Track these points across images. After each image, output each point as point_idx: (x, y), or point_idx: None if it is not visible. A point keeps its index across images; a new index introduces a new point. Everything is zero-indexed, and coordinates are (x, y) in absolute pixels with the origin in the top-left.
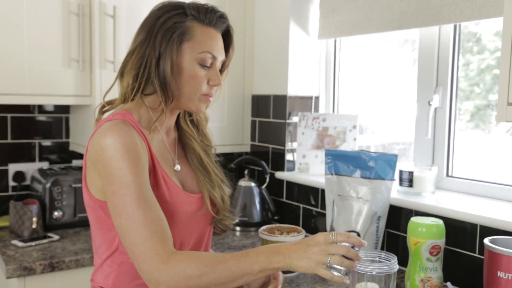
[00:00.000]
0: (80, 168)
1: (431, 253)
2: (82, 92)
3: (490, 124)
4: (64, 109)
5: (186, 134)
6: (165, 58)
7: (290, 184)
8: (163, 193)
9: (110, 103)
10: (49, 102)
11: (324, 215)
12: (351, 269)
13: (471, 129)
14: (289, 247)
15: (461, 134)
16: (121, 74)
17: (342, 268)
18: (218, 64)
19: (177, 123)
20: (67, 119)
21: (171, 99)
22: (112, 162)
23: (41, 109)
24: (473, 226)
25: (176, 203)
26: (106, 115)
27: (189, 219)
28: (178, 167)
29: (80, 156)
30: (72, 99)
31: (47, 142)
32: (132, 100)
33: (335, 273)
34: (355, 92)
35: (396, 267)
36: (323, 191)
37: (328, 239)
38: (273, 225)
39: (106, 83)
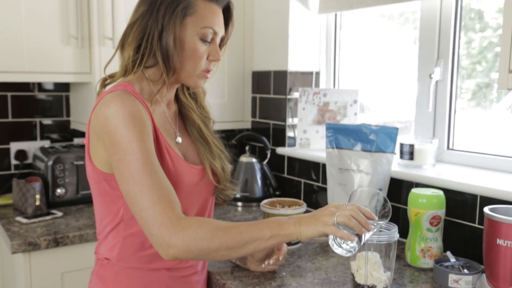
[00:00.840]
0: (82, 146)
1: (431, 223)
2: (82, 70)
3: (492, 102)
4: (64, 87)
5: (186, 106)
6: (168, 31)
7: (291, 160)
8: (167, 164)
9: (111, 76)
10: (48, 79)
11: (325, 189)
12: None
13: (472, 107)
14: (301, 215)
15: (462, 112)
16: (122, 46)
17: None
18: (218, 40)
19: (176, 96)
20: (67, 98)
21: (172, 72)
22: (117, 131)
23: (41, 87)
24: (473, 196)
25: (179, 174)
26: (107, 88)
27: (192, 190)
28: (179, 139)
29: (81, 134)
30: (72, 76)
31: (48, 121)
32: (133, 73)
33: (343, 230)
34: (356, 68)
35: (396, 235)
36: (324, 165)
37: (339, 206)
38: (275, 199)
39: (106, 60)
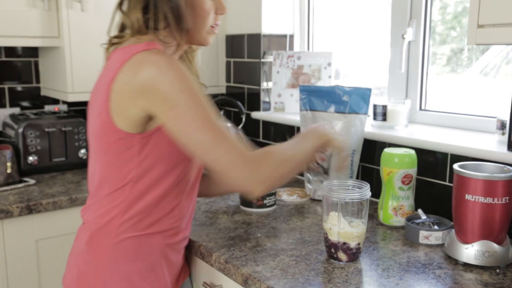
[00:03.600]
0: (53, 113)
1: (403, 182)
2: (50, 33)
3: (465, 67)
4: (32, 52)
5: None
6: None
7: (266, 124)
8: None
9: (119, 36)
10: (15, 44)
11: None
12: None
13: (447, 72)
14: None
15: (437, 77)
16: (122, 8)
17: None
18: None
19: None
20: (36, 63)
21: (185, 33)
22: (175, 86)
23: (8, 52)
24: (444, 155)
25: None
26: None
27: None
28: None
29: (52, 101)
30: (39, 40)
31: (17, 88)
32: (145, 34)
33: None
34: (330, 31)
35: (368, 193)
36: (299, 128)
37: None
38: None
39: (74, 23)
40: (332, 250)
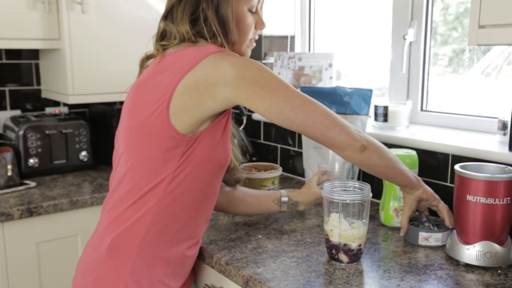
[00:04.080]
0: (54, 115)
1: None
2: (50, 36)
3: (467, 68)
4: (33, 54)
5: None
6: (224, 5)
7: (267, 125)
8: (227, 140)
9: (164, 44)
10: (15, 46)
11: (301, 154)
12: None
13: (449, 73)
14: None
15: (439, 78)
16: (167, 18)
17: None
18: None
19: None
20: (37, 66)
21: (232, 45)
22: (263, 70)
23: (9, 55)
24: (445, 156)
25: (229, 151)
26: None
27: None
28: None
29: (53, 103)
30: (40, 42)
31: (18, 90)
32: (193, 42)
33: None
34: (331, 32)
35: (369, 195)
36: None
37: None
38: (251, 163)
39: (75, 25)
40: (333, 251)
